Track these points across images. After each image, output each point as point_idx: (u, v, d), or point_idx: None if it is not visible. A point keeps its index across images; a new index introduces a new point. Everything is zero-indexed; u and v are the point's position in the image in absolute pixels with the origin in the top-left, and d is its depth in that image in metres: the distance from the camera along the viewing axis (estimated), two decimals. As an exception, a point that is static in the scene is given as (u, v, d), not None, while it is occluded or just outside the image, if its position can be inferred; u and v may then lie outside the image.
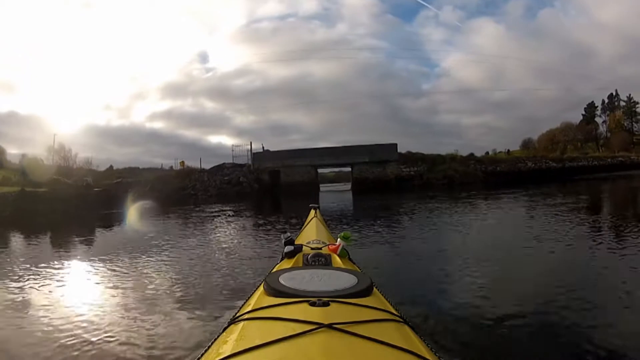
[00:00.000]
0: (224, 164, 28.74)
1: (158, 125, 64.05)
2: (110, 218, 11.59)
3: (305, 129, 62.36)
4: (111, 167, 31.14)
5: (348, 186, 30.23)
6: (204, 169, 28.88)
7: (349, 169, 28.70)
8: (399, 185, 24.52)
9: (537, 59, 59.46)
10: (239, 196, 23.58)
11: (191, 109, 59.27)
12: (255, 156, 27.82)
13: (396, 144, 26.14)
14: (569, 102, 54.81)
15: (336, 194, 22.67)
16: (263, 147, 28.77)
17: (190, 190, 26.72)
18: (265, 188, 25.76)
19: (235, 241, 6.09)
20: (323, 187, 29.43)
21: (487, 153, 28.82)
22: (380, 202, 13.58)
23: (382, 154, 26.45)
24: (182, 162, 30.62)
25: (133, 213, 12.35)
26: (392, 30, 69.40)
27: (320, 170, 29.48)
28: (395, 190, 22.42)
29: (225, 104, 69.24)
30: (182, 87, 64.73)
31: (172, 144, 54.16)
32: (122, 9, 67.12)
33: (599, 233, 5.28)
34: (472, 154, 29.02)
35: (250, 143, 28.51)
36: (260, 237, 6.52)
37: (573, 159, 27.49)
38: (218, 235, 6.82)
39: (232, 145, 29.53)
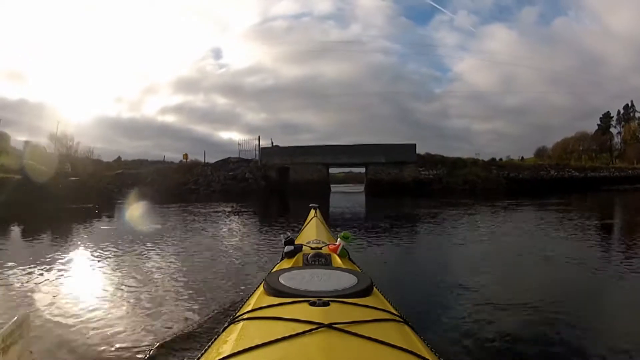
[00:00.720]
0: (229, 158, 28.13)
1: (169, 119, 67.85)
2: (71, 215, 10.00)
3: (315, 129, 63.55)
4: (119, 158, 31.18)
5: (361, 188, 29.56)
6: (208, 163, 28.33)
7: (363, 169, 28.14)
8: (417, 189, 23.72)
9: (549, 67, 60.80)
10: (244, 193, 23.19)
11: (203, 105, 60.25)
12: (263, 152, 26.86)
13: (415, 145, 25.35)
14: (580, 111, 55.18)
15: (348, 196, 22.13)
16: (272, 143, 27.98)
17: (191, 185, 26.17)
18: (273, 186, 25.14)
19: (222, 258, 4.86)
20: (334, 188, 28.82)
21: (501, 159, 28.82)
22: (398, 208, 13.23)
23: (399, 154, 25.61)
24: (185, 154, 29.85)
25: (108, 210, 11.60)
26: (406, 32, 70.01)
27: (330, 170, 28.76)
28: (413, 194, 21.71)
29: (236, 101, 70.85)
30: (195, 82, 66.96)
31: (183, 138, 55.70)
32: (138, 3, 70.49)
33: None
34: (493, 159, 28.34)
35: (259, 137, 27.69)
36: (260, 249, 5.32)
37: (595, 169, 27.31)
38: (197, 250, 5.37)
39: (239, 139, 28.49)
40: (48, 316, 2.56)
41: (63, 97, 61.00)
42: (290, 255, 1.65)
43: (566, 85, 61.68)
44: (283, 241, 1.72)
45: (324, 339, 0.84)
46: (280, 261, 1.69)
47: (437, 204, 13.69)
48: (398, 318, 1.05)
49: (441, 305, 2.76)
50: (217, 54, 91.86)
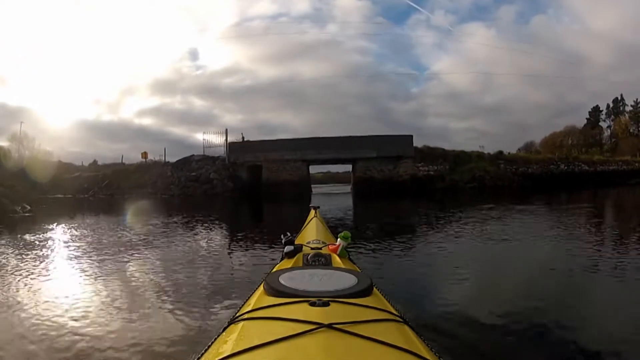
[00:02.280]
0: (192, 156, 25.95)
1: (147, 121, 70.90)
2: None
3: (293, 129, 65.69)
4: (95, 162, 30.58)
5: (346, 188, 27.94)
6: (168, 162, 26.28)
7: (349, 167, 26.77)
8: (416, 188, 22.10)
9: (528, 65, 63.63)
10: (207, 198, 21.31)
11: (180, 106, 63.71)
12: (232, 148, 24.99)
13: (411, 136, 23.14)
14: (558, 108, 59.15)
15: (333, 198, 20.28)
16: (243, 138, 26.28)
17: (148, 189, 23.97)
18: (243, 188, 23.29)
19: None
20: (316, 188, 27.23)
21: (509, 153, 28.81)
22: (396, 215, 11.50)
23: (393, 148, 23.48)
24: (144, 153, 27.92)
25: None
26: (383, 32, 75.88)
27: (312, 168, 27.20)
28: (411, 194, 20.17)
29: (214, 102, 74.55)
30: (172, 84, 69.89)
31: (160, 140, 59.63)
32: (113, 4, 72.05)
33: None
34: (500, 152, 26.73)
35: (226, 130, 25.99)
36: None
37: (604, 162, 27.46)
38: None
39: (204, 133, 26.59)
40: None
41: (42, 101, 66.97)
42: (290, 255, 1.73)
43: (545, 83, 64.92)
44: (283, 241, 1.82)
45: (324, 339, 0.89)
46: (280, 261, 1.79)
47: (445, 207, 12.44)
48: (398, 318, 1.12)
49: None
50: (194, 55, 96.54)
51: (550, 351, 2.22)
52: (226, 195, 21.62)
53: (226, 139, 24.87)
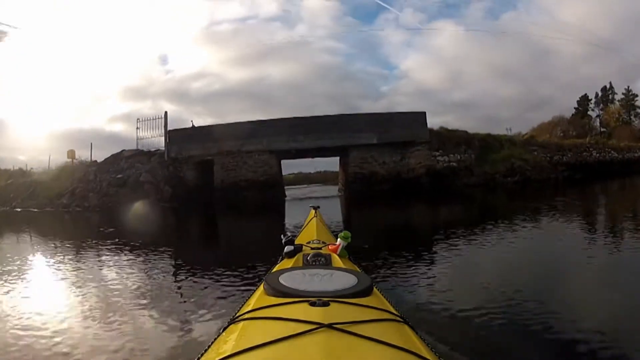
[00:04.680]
0: (122, 152, 20.00)
1: (118, 127, 67.85)
2: None
3: None
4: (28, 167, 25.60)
5: (333, 190, 22.04)
6: (95, 161, 20.51)
7: (333, 164, 22.23)
8: (435, 186, 16.61)
9: (498, 60, 65.31)
10: (133, 210, 15.15)
11: (150, 112, 59.55)
12: (173, 137, 18.67)
13: (424, 114, 16.53)
14: (529, 102, 60.78)
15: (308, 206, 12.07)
16: (193, 125, 19.70)
17: (63, 200, 17.94)
18: (187, 194, 17.31)
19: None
20: (289, 190, 21.12)
21: (533, 136, 25.24)
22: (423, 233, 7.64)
23: (400, 130, 17.39)
24: (71, 152, 21.72)
25: None
26: (352, 32, 76.32)
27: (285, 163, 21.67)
28: (430, 195, 15.48)
29: (183, 107, 71.96)
30: (142, 90, 68.84)
31: (132, 146, 52.65)
32: (83, 10, 69.08)
33: None
34: (532, 136, 23.08)
35: (165, 114, 19.64)
36: None
37: (630, 149, 25.48)
38: None
39: (138, 120, 20.12)
40: None
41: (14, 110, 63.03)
42: (290, 255, 1.79)
43: (516, 78, 68.08)
44: (283, 241, 1.87)
45: (324, 339, 0.93)
46: (280, 261, 1.85)
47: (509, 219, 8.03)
48: (398, 318, 1.19)
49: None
50: (163, 59, 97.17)
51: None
52: (162, 206, 16.45)
53: (165, 126, 19.08)
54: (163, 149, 19.07)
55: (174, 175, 18.32)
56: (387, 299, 1.32)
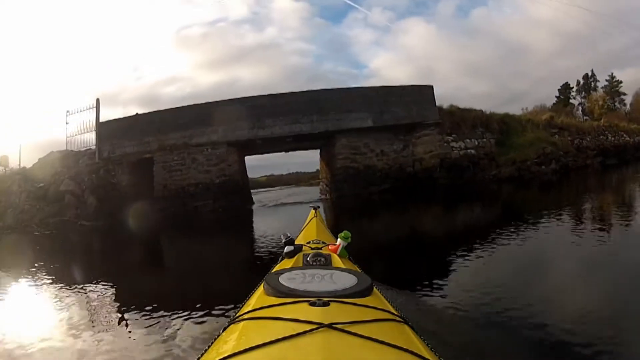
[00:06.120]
0: (50, 154, 15.99)
1: (90, 135, 60.36)
2: None
3: None
4: None
5: (314, 192, 17.69)
6: (24, 167, 16.47)
7: (312, 159, 20.07)
8: (451, 183, 12.57)
9: (469, 57, 63.15)
10: (48, 232, 11.45)
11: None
12: (105, 131, 14.38)
13: (432, 87, 11.23)
14: (502, 97, 61.01)
15: (292, 216, 11.34)
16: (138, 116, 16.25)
17: None
18: (118, 207, 12.59)
19: None
20: (257, 195, 18.20)
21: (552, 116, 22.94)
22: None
23: (404, 109, 13.05)
24: (4, 157, 17.66)
25: None
26: (321, 33, 73.51)
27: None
28: (450, 199, 11.02)
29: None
30: (113, 96, 65.52)
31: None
32: (52, 15, 67.32)
33: None
34: (551, 116, 19.38)
35: (97, 101, 15.33)
36: None
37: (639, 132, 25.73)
38: None
39: (68, 113, 16.17)
40: None
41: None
42: (290, 255, 1.79)
43: (487, 74, 66.25)
44: (283, 241, 1.86)
45: (323, 339, 0.93)
46: (280, 261, 1.85)
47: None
48: (398, 318, 1.20)
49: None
50: (133, 65, 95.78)
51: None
52: (80, 226, 12.28)
53: (97, 117, 15.87)
54: (94, 147, 14.86)
55: (105, 182, 14.06)
56: (387, 299, 1.33)
